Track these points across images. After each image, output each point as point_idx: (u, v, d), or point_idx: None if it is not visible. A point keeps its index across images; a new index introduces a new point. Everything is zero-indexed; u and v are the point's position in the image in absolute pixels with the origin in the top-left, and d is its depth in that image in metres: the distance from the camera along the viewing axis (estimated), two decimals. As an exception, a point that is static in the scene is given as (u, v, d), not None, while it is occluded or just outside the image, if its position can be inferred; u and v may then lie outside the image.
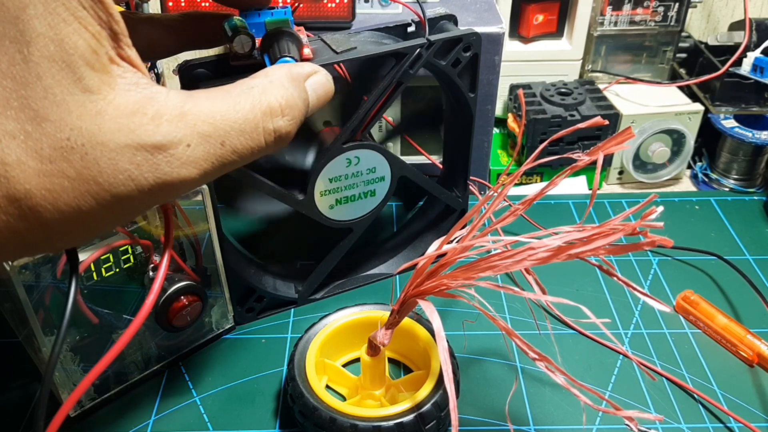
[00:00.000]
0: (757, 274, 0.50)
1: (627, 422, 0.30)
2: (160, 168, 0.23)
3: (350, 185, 0.45)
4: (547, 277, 0.47)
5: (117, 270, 0.38)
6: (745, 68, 0.59)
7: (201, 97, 0.25)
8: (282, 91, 0.27)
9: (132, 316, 0.40)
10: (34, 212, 0.21)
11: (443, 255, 0.32)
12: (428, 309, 0.32)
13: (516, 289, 0.30)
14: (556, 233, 0.29)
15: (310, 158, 0.45)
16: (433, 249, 0.33)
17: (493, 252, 0.30)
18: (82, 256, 0.36)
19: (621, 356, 0.44)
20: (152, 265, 0.39)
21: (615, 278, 0.30)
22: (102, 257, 0.37)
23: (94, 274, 0.37)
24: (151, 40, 0.33)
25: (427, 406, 0.36)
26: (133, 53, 0.24)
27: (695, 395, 0.41)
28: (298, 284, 0.48)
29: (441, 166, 0.53)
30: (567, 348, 0.44)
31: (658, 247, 0.26)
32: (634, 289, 0.30)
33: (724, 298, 0.48)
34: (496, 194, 0.32)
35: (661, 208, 0.27)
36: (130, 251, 0.38)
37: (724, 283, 0.49)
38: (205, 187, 0.39)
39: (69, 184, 0.21)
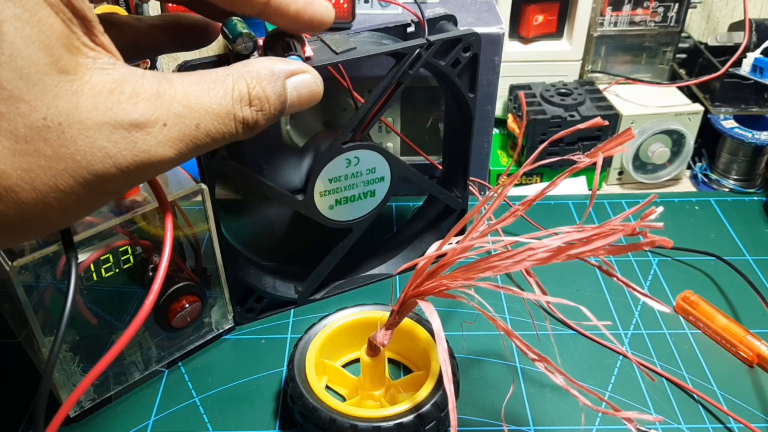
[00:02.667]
0: (757, 275, 0.50)
1: (626, 423, 0.30)
2: (137, 146, 0.23)
3: (350, 185, 0.45)
4: (547, 278, 0.47)
5: (117, 270, 0.38)
6: (745, 69, 0.59)
7: (176, 80, 0.25)
8: (256, 82, 0.27)
9: (132, 316, 0.40)
10: (10, 192, 0.21)
11: (443, 255, 0.32)
12: (428, 309, 0.32)
13: (516, 289, 0.30)
14: (556, 234, 0.29)
15: (309, 159, 0.45)
16: (432, 250, 0.33)
17: (493, 252, 0.30)
18: (82, 257, 0.36)
19: (621, 357, 0.44)
20: (152, 266, 0.39)
21: (615, 279, 0.30)
22: (102, 258, 0.37)
23: (94, 274, 0.37)
24: (134, 39, 0.34)
25: (427, 407, 0.36)
26: (106, 39, 0.24)
27: (695, 395, 0.41)
28: (298, 284, 0.48)
29: (440, 166, 0.53)
30: (567, 348, 0.44)
31: (657, 248, 0.26)
32: (634, 289, 0.30)
33: (723, 298, 0.48)
34: (495, 195, 0.32)
35: (660, 209, 0.27)
36: (129, 252, 0.38)
37: (723, 283, 0.49)
38: (204, 187, 0.39)
39: (46, 163, 0.21)
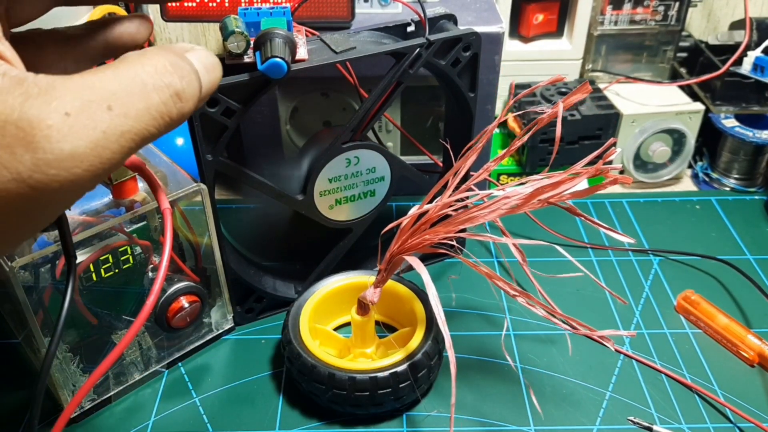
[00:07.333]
0: (758, 274, 0.50)
1: (604, 343, 0.33)
2: (38, 145, 0.19)
3: (350, 185, 0.45)
4: (548, 277, 0.47)
5: (116, 271, 0.38)
6: (746, 67, 0.59)
7: (74, 76, 0.21)
8: (162, 56, 0.24)
9: (131, 316, 0.40)
10: None
11: (425, 213, 0.33)
12: (415, 263, 0.33)
13: (495, 237, 0.32)
14: (526, 183, 0.31)
15: (309, 159, 0.45)
16: (414, 210, 0.35)
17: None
18: (82, 257, 0.36)
19: (621, 356, 0.44)
20: (151, 266, 0.39)
21: (583, 218, 0.33)
22: (101, 258, 0.37)
23: (93, 274, 0.37)
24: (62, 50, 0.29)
25: (418, 356, 0.38)
26: (2, 47, 0.22)
27: (695, 390, 0.41)
28: (298, 284, 0.48)
29: (441, 164, 0.53)
30: (567, 348, 0.44)
31: (622, 186, 0.27)
32: (596, 223, 0.32)
33: (724, 298, 0.48)
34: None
35: (619, 149, 0.28)
36: (129, 252, 0.38)
37: (724, 283, 0.49)
38: (204, 187, 0.39)
39: None
